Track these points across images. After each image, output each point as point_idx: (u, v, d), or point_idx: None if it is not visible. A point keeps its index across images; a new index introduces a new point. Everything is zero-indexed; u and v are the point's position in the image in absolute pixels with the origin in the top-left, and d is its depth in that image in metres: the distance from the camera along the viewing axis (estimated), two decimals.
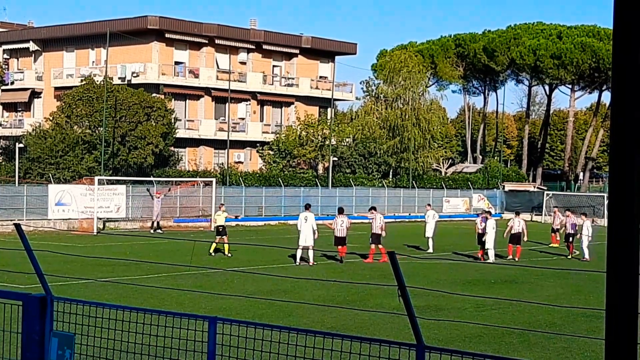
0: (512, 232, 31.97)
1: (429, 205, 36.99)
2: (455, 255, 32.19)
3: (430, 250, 33.17)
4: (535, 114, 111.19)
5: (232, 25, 66.14)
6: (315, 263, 27.55)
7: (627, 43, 3.36)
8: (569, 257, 32.73)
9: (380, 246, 29.18)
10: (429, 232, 33.61)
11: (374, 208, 31.40)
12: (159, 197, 42.79)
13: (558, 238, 36.98)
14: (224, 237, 29.92)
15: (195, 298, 19.00)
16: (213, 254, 29.73)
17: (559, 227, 37.12)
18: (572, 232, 33.26)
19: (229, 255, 29.50)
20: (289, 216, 49.03)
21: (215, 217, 32.12)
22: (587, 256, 31.68)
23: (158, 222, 42.24)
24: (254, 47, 67.29)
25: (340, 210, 30.34)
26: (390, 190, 60.28)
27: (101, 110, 50.98)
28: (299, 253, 27.49)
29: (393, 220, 56.31)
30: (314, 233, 27.67)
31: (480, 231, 31.24)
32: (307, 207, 29.10)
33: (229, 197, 49.33)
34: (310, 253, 27.57)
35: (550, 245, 37.39)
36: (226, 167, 57.92)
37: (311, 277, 23.28)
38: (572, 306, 18.42)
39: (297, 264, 27.34)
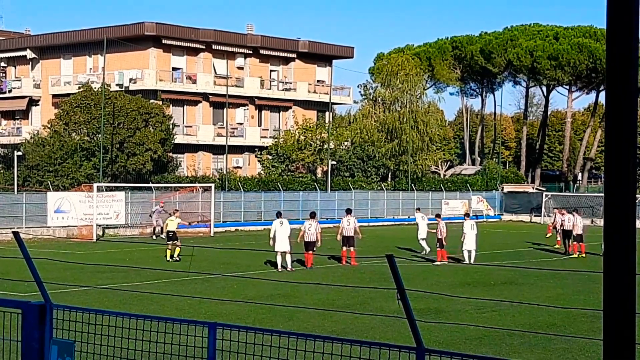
0: (565, 228, 33.94)
1: (418, 209, 37.67)
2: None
3: (427, 249, 33.13)
4: (533, 115, 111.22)
5: (229, 30, 66.20)
6: (294, 269, 27.26)
7: (620, 43, 3.37)
8: (576, 255, 32.84)
9: (352, 249, 29.16)
10: (422, 234, 33.82)
11: (349, 211, 31.10)
12: (161, 207, 42.74)
13: (559, 238, 36.85)
14: (176, 241, 29.94)
15: (195, 304, 18.98)
16: (170, 259, 29.62)
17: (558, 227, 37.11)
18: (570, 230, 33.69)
19: (178, 259, 29.46)
20: (288, 220, 48.92)
21: (167, 221, 31.82)
22: None
23: (162, 228, 42.25)
24: (251, 52, 67.32)
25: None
26: (389, 193, 60.27)
27: (99, 117, 50.99)
28: (279, 260, 27.16)
29: (392, 223, 56.36)
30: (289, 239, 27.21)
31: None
32: (279, 214, 28.44)
33: (228, 202, 49.34)
34: (288, 258, 27.29)
35: (554, 246, 37.15)
36: (225, 173, 57.93)
37: (311, 281, 23.27)
38: (573, 307, 18.41)
39: (279, 270, 27.00)
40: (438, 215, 32.70)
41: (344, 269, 27.92)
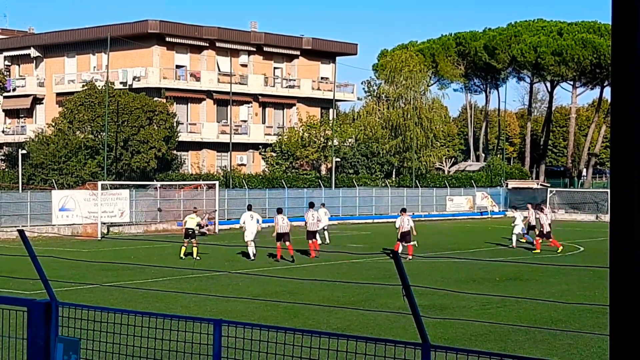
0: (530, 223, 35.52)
1: (323, 204, 39.98)
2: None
3: (327, 241, 36.35)
4: (537, 111, 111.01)
5: (232, 27, 66.19)
6: (254, 258, 29.06)
7: (626, 38, 3.36)
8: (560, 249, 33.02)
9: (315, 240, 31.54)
10: (322, 225, 36.00)
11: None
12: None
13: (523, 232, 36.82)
14: (193, 240, 29.97)
15: (200, 301, 19.00)
16: (184, 257, 29.62)
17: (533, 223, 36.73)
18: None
19: (198, 258, 29.29)
20: (292, 217, 48.78)
21: (187, 219, 31.59)
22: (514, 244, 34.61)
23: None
24: (254, 49, 67.30)
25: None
26: (393, 189, 60.25)
27: (103, 115, 51.03)
28: (250, 250, 29.20)
29: (394, 220, 56.26)
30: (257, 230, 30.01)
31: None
32: (250, 207, 31.17)
33: (232, 199, 49.34)
34: (253, 246, 29.16)
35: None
36: (229, 170, 57.93)
37: (316, 278, 23.29)
38: (577, 302, 18.40)
39: (252, 259, 29.10)
40: (403, 210, 32.81)
41: (348, 266, 27.95)
